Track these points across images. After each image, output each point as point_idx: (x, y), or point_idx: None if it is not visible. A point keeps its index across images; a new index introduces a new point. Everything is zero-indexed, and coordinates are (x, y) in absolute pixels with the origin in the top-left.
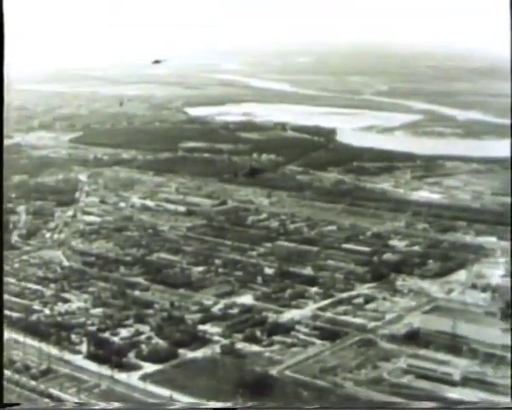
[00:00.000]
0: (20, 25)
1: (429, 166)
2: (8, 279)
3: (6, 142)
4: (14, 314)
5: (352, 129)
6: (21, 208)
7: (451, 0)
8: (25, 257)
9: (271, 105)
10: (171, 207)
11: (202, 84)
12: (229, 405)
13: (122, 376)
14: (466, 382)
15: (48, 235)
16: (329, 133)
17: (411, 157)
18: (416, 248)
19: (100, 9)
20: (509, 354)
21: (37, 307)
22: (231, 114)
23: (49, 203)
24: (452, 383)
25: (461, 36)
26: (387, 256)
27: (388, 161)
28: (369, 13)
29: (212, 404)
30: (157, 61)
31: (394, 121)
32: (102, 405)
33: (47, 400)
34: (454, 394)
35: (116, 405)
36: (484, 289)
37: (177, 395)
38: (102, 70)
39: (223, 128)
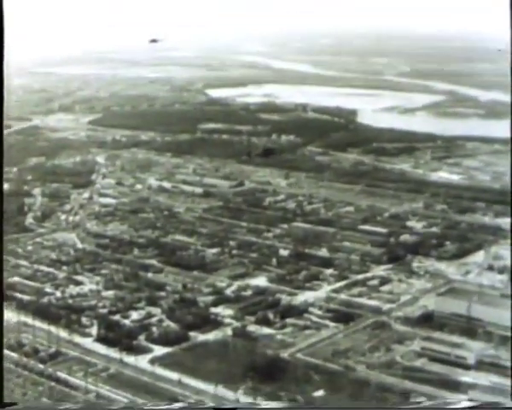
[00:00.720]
0: (40, 9)
1: (449, 147)
2: (20, 262)
3: (25, 124)
4: (26, 297)
5: (374, 110)
6: (37, 191)
7: None
8: (38, 239)
9: (293, 86)
10: (188, 188)
11: (224, 65)
12: (229, 405)
13: (131, 359)
14: (480, 365)
15: (63, 217)
16: (350, 114)
17: (432, 138)
18: (434, 229)
19: None
20: None
21: (48, 289)
22: (252, 95)
23: (66, 185)
24: (466, 367)
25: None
26: (404, 238)
27: (408, 142)
28: None
29: (212, 404)
30: (154, 40)
31: (416, 102)
32: (104, 405)
33: (54, 383)
34: (467, 377)
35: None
36: (501, 271)
37: (185, 379)
38: (123, 52)
39: (243, 109)
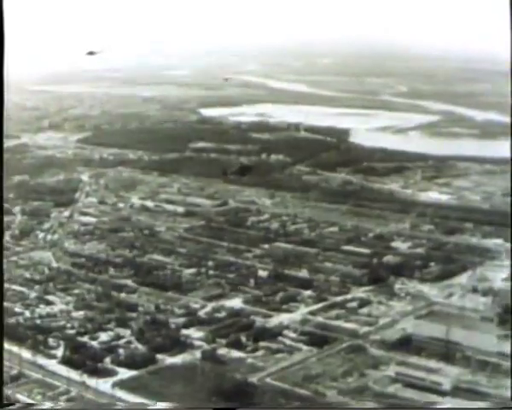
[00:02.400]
0: (33, 26)
1: (440, 167)
2: None
3: (12, 142)
4: None
5: (367, 130)
6: (17, 209)
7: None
8: (13, 258)
9: (287, 106)
10: (171, 207)
11: (219, 85)
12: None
13: (95, 382)
14: (456, 391)
15: (41, 235)
16: (343, 134)
17: (423, 158)
18: (419, 250)
19: (115, 9)
20: (504, 363)
21: (18, 309)
22: (245, 114)
23: (47, 204)
24: (441, 393)
25: (480, 38)
26: (388, 258)
27: (399, 162)
28: (391, 15)
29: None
30: (91, 53)
31: (411, 122)
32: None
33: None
34: (442, 404)
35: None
36: (485, 293)
37: (148, 402)
38: (118, 71)
39: (234, 128)
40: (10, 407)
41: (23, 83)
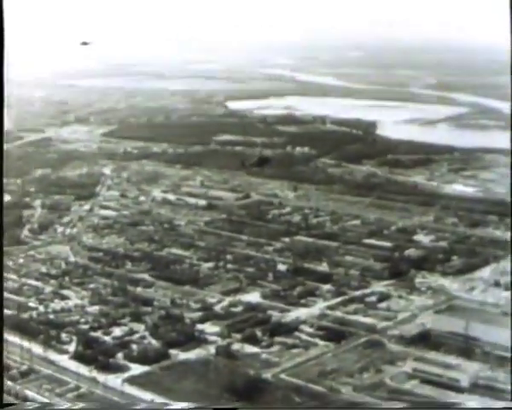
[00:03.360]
0: (61, 20)
1: (467, 159)
2: (8, 275)
3: (36, 136)
4: (7, 312)
5: (394, 122)
6: (37, 203)
7: None
8: (31, 252)
9: (314, 98)
10: (193, 200)
11: (248, 78)
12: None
13: (105, 378)
14: (474, 388)
15: (60, 230)
16: (369, 126)
17: (450, 150)
18: (442, 243)
19: (145, 4)
20: None
21: (32, 304)
22: (272, 107)
23: (68, 197)
24: (459, 390)
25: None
26: (409, 252)
27: (425, 154)
28: (419, 7)
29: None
30: (85, 43)
31: (439, 114)
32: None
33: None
34: (459, 401)
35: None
36: (507, 288)
37: (159, 399)
38: (147, 65)
39: (260, 121)
40: (10, 407)
41: (50, 77)
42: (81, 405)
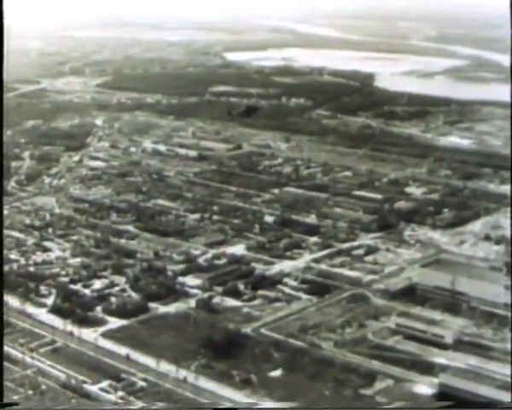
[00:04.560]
0: None
1: (464, 112)
2: None
3: (30, 87)
4: None
5: (392, 74)
6: (26, 154)
7: None
8: (17, 204)
9: (313, 50)
10: (183, 151)
11: (248, 29)
12: (228, 405)
13: (83, 332)
14: (458, 345)
15: (47, 181)
16: (367, 78)
17: (447, 102)
18: (434, 195)
19: None
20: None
21: (13, 256)
22: (270, 59)
23: (58, 148)
24: (443, 346)
25: None
26: (400, 204)
27: (422, 106)
28: None
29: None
30: None
31: (437, 66)
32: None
33: None
34: (442, 358)
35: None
36: (498, 242)
37: (134, 354)
38: (148, 16)
39: (257, 72)
40: (10, 407)
41: (46, 29)
42: (81, 405)
